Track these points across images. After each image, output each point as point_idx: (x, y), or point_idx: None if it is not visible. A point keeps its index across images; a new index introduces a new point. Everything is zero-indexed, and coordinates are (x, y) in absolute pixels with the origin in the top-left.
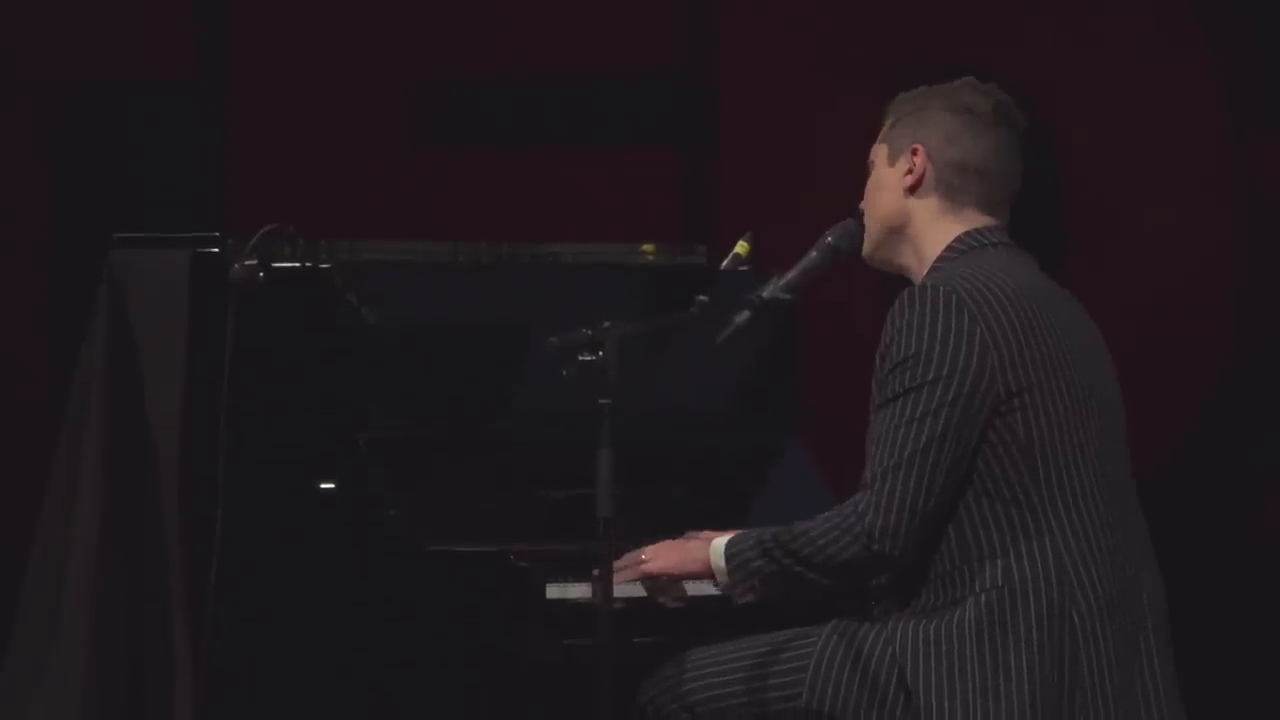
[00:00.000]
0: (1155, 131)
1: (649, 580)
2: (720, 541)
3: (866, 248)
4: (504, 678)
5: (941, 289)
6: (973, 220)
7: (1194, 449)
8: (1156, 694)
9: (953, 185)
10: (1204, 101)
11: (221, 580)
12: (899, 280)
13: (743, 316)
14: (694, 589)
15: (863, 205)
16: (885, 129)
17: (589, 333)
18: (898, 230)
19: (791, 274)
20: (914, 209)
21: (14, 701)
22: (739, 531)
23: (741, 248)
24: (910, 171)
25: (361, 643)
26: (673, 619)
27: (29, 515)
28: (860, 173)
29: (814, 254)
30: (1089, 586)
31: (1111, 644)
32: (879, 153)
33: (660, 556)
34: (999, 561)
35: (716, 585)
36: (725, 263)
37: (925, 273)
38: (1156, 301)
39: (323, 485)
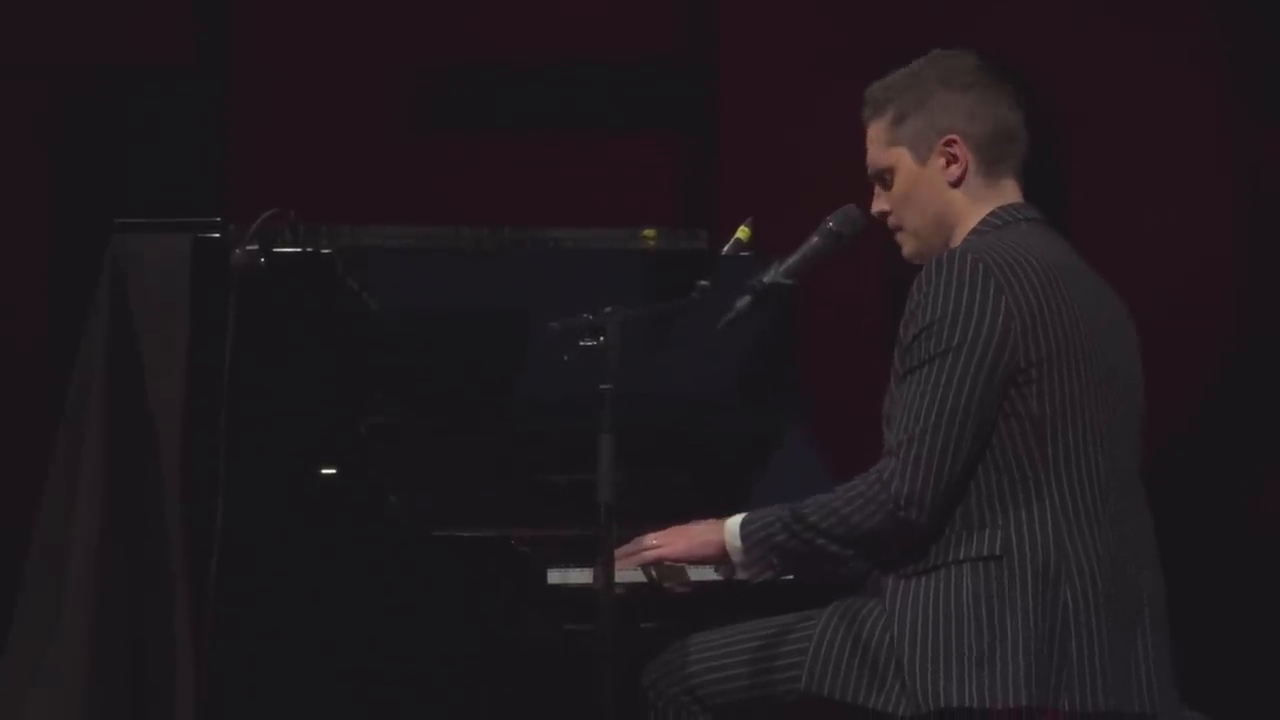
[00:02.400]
0: (1157, 121)
1: (654, 566)
2: (734, 521)
3: (911, 249)
4: (505, 663)
5: (969, 256)
6: (1009, 191)
7: (1193, 439)
8: (1150, 678)
9: (991, 160)
10: (1206, 91)
11: (223, 567)
12: (903, 266)
13: (744, 301)
14: (696, 574)
15: (887, 215)
16: (887, 129)
17: (590, 317)
18: (946, 224)
19: (793, 259)
20: (959, 199)
21: (11, 702)
22: (751, 511)
23: (743, 233)
24: (952, 163)
25: (363, 628)
26: (675, 604)
27: (29, 508)
28: (860, 159)
29: (815, 239)
30: (1085, 570)
31: (1105, 630)
32: (898, 158)
33: (671, 543)
34: (998, 532)
35: (721, 570)
36: (726, 248)
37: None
38: (1157, 291)
39: (324, 471)
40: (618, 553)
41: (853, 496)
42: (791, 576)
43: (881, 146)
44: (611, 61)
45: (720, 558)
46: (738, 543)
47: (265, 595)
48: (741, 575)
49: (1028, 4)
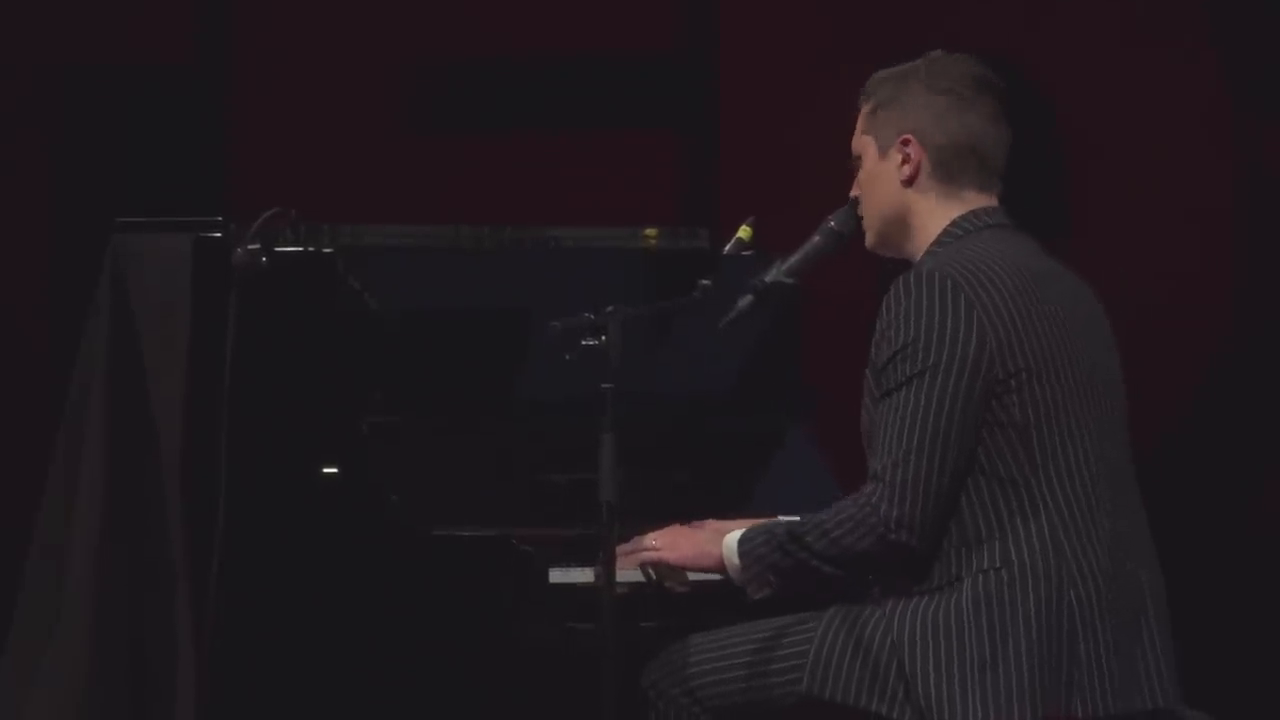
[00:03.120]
0: (1156, 119)
1: (654, 565)
2: (733, 537)
3: (870, 241)
4: (506, 662)
5: (937, 274)
6: (971, 200)
7: (1192, 438)
8: (1160, 679)
9: (949, 168)
10: (1206, 84)
11: (223, 566)
12: (901, 265)
13: (745, 301)
14: (696, 574)
15: (856, 198)
16: (865, 117)
17: (591, 317)
18: (899, 221)
19: (794, 258)
20: (913, 199)
21: (11, 702)
22: (750, 525)
23: (744, 232)
24: (905, 162)
25: (364, 627)
26: (675, 604)
27: (30, 502)
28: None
29: (816, 238)
30: (1087, 571)
31: (1110, 629)
32: (865, 146)
33: (674, 548)
34: (996, 543)
35: (732, 580)
36: (728, 247)
37: (921, 257)
38: (1157, 290)
39: (325, 470)
40: (618, 549)
41: (843, 519)
42: (790, 593)
43: (859, 132)
44: (612, 60)
45: (719, 569)
46: (735, 560)
47: (266, 595)
48: (743, 587)
49: (1027, 4)
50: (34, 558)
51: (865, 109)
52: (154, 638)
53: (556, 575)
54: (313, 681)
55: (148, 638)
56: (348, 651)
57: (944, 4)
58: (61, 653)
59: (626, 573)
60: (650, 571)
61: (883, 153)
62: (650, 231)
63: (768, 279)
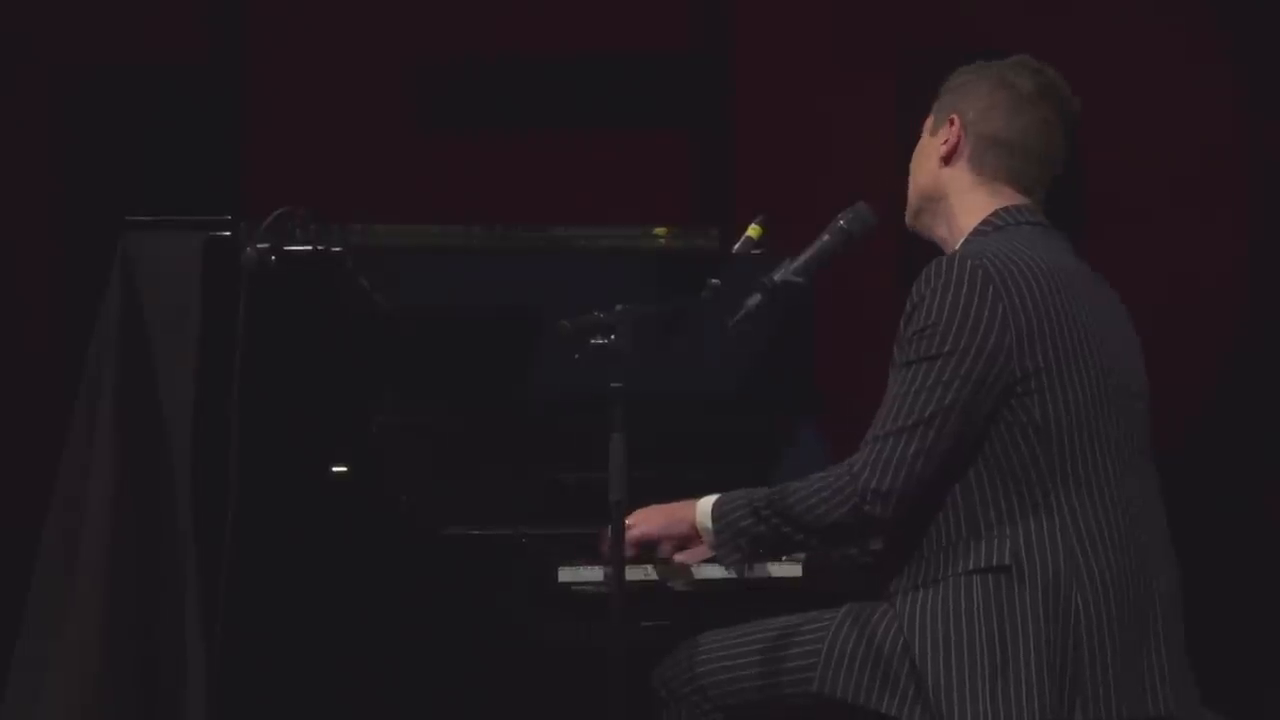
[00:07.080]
0: (1171, 114)
1: (658, 564)
2: (706, 501)
3: (907, 216)
4: (516, 660)
5: (970, 261)
6: (1007, 197)
7: (1206, 432)
8: (1163, 682)
9: (983, 158)
10: (1221, 79)
11: (234, 564)
12: (915, 263)
13: (755, 300)
14: (700, 572)
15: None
16: (938, 97)
17: (602, 316)
18: (934, 199)
19: (804, 257)
20: (948, 179)
21: (22, 701)
22: (725, 493)
23: (754, 231)
24: (946, 140)
25: (374, 625)
26: (679, 602)
27: (40, 501)
28: (873, 157)
29: (827, 237)
30: (1095, 574)
31: (1116, 633)
32: (928, 120)
33: (646, 520)
34: (1008, 541)
35: (732, 568)
36: (738, 246)
37: (958, 246)
38: (1175, 279)
39: (335, 469)
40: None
41: (821, 487)
42: (761, 558)
43: (931, 110)
44: (626, 58)
45: (692, 535)
46: (709, 524)
47: (277, 594)
48: (713, 554)
49: (1039, 1)
50: (44, 557)
51: (942, 90)
52: (164, 637)
53: (566, 574)
54: (322, 680)
55: (158, 637)
56: (356, 650)
57: (958, 5)
58: (72, 651)
59: (635, 571)
60: (655, 570)
61: (934, 130)
62: (661, 230)
63: (777, 278)
